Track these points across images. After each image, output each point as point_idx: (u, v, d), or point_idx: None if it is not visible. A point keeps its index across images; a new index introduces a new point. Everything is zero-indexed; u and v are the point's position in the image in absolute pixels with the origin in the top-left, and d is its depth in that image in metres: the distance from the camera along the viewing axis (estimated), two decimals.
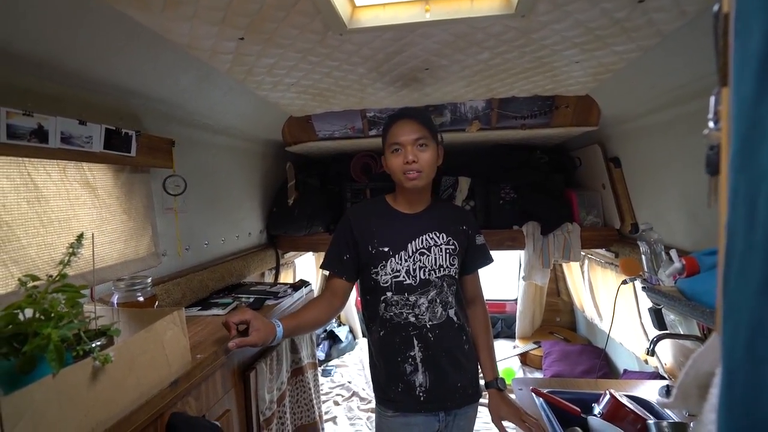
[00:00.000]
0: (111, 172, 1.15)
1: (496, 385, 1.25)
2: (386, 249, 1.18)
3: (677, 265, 1.02)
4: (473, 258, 1.29)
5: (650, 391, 1.53)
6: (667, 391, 1.51)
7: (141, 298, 1.04)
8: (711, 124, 0.37)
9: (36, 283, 0.65)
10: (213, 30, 0.96)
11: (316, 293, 2.69)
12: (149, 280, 1.07)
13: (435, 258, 1.19)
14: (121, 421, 0.71)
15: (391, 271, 1.18)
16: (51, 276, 0.67)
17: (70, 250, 0.69)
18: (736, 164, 0.30)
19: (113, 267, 1.13)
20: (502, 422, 1.22)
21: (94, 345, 0.70)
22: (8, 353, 0.61)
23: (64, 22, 0.81)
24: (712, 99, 0.37)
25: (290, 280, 2.47)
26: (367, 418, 2.52)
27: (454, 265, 1.21)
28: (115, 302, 1.01)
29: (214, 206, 1.69)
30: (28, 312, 0.64)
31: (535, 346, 3.14)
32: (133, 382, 0.75)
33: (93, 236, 0.78)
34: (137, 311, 0.94)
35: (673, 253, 1.10)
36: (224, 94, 1.39)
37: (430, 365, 1.18)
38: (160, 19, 0.88)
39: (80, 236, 0.71)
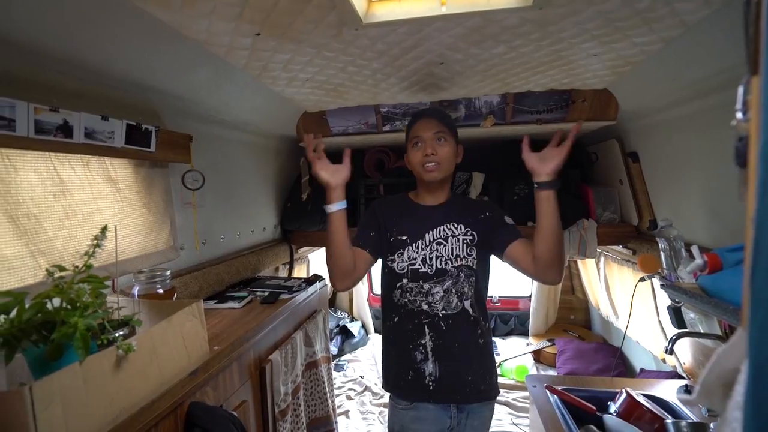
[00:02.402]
0: (131, 167, 1.18)
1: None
2: (404, 238, 1.23)
3: (699, 261, 1.00)
4: (503, 233, 1.23)
5: (668, 390, 1.50)
6: (686, 390, 1.48)
7: (161, 290, 1.07)
8: (739, 115, 0.36)
9: (63, 273, 0.67)
10: (230, 26, 0.97)
11: (329, 289, 2.71)
12: (168, 272, 1.10)
13: (452, 248, 1.21)
14: (144, 408, 0.73)
15: (408, 258, 1.22)
16: (76, 267, 0.69)
17: (95, 241, 0.71)
18: (766, 155, 0.29)
19: (134, 260, 1.16)
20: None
21: (117, 334, 0.72)
22: (37, 340, 0.63)
23: (86, 18, 0.83)
24: (741, 88, 0.36)
25: (304, 275, 2.50)
26: (380, 413, 2.53)
27: (471, 255, 1.22)
28: (136, 294, 1.04)
29: (230, 201, 1.71)
30: (56, 301, 0.66)
31: (549, 343, 3.10)
32: (154, 371, 0.77)
33: (116, 229, 0.81)
34: (157, 303, 0.97)
35: (694, 249, 1.07)
36: (240, 89, 1.41)
37: (440, 355, 1.20)
38: (180, 16, 0.90)
39: (104, 228, 0.73)
